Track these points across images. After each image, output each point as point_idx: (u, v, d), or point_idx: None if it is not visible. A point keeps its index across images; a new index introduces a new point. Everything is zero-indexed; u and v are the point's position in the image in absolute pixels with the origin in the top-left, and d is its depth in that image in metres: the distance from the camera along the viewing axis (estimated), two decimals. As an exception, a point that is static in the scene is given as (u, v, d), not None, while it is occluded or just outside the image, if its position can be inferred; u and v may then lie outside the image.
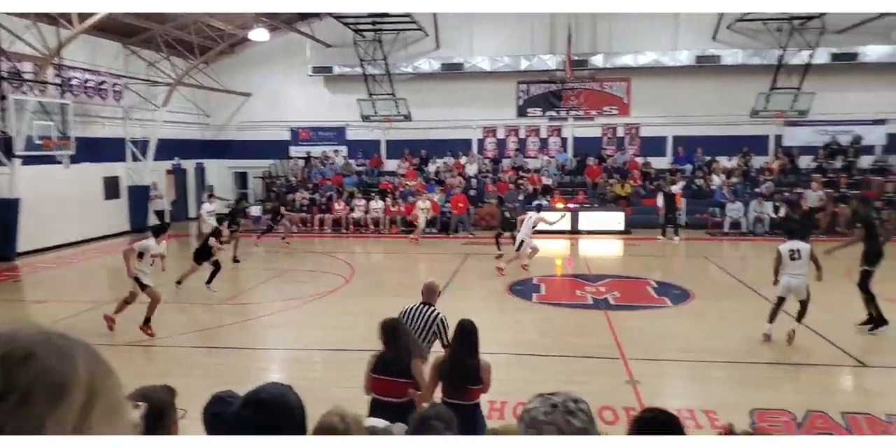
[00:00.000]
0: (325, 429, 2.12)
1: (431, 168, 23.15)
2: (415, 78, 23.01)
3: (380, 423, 2.83)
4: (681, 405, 6.23)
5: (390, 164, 23.98)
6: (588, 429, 1.54)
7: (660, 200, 18.92)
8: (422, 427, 2.16)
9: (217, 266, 11.69)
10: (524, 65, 22.28)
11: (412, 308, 5.78)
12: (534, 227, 13.57)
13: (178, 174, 23.35)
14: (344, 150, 24.30)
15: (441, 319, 5.61)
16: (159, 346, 8.62)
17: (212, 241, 11.53)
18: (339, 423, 2.13)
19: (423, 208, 18.71)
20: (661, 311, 10.51)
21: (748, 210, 19.20)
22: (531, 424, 1.56)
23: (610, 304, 10.90)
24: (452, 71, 22.54)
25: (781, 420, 6.07)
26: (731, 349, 8.29)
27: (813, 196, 17.64)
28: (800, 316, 8.46)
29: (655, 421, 2.09)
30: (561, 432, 1.52)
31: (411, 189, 21.49)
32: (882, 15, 18.97)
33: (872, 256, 8.98)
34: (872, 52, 20.54)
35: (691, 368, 7.81)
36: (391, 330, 4.68)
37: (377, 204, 20.55)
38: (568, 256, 16.67)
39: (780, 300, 8.60)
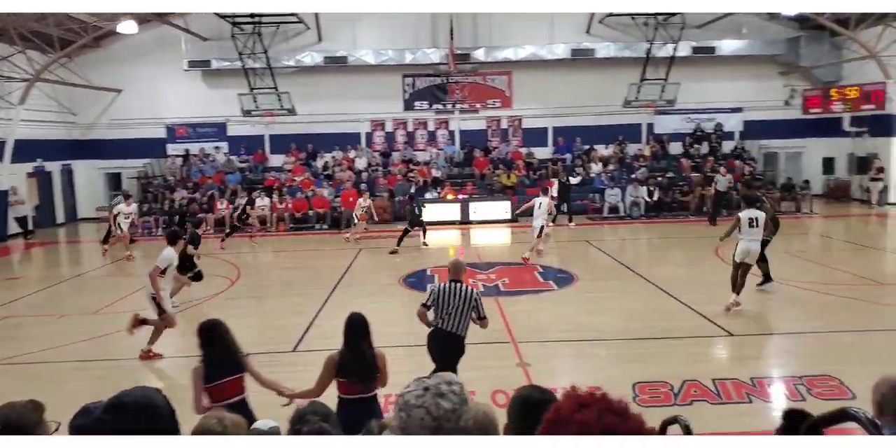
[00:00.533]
0: (202, 432, 2.06)
1: (319, 163, 22.77)
2: (298, 71, 22.49)
3: (265, 424, 2.77)
4: (567, 383, 6.48)
5: (276, 160, 23.36)
6: (458, 410, 1.59)
7: (554, 190, 19.60)
8: (300, 423, 2.15)
9: (199, 277, 11.06)
10: (409, 58, 22.32)
11: (444, 287, 5.90)
12: (549, 212, 13.55)
13: (42, 177, 21.62)
14: (225, 146, 23.42)
15: (478, 293, 5.96)
16: (34, 363, 8.01)
17: (189, 249, 10.59)
18: (216, 425, 2.07)
19: (363, 206, 16.96)
20: (547, 295, 10.95)
21: (625, 195, 20.31)
22: (402, 408, 1.59)
23: (500, 290, 11.23)
24: (336, 64, 22.22)
25: (661, 391, 6.48)
26: (613, 327, 8.76)
27: (722, 180, 19.00)
28: (739, 288, 9.24)
29: (531, 398, 2.18)
30: (429, 414, 1.56)
31: (298, 185, 21.03)
32: (729, 13, 20.57)
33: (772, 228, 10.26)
34: (727, 46, 22.31)
35: (577, 347, 8.19)
36: (210, 330, 4.56)
37: (263, 201, 19.93)
38: (460, 246, 16.96)
39: (738, 265, 9.32)
